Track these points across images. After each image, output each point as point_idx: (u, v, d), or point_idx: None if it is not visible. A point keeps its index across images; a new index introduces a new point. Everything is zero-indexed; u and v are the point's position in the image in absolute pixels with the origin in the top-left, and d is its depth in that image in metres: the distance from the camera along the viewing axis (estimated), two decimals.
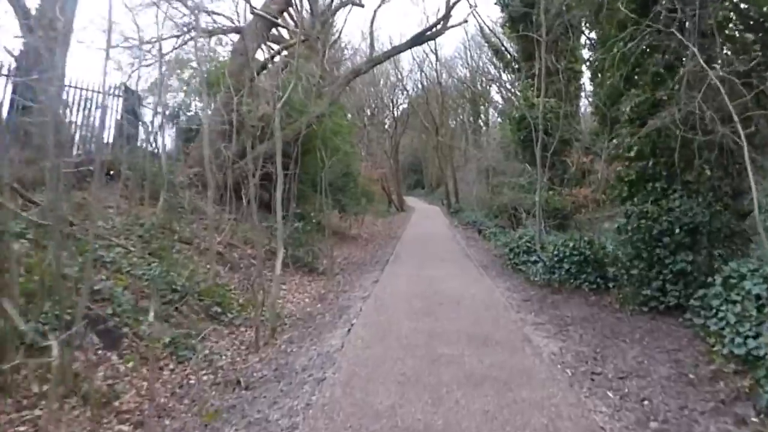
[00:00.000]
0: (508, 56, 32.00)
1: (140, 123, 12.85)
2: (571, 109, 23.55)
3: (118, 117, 12.53)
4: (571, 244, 9.78)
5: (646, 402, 4.31)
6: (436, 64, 38.63)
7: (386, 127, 48.63)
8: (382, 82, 46.33)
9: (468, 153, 45.69)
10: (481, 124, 47.53)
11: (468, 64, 41.83)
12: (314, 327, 7.39)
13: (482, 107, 46.40)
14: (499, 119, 44.47)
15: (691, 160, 7.31)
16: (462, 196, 37.08)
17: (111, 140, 12.33)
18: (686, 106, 6.98)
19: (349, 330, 6.62)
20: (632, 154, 8.22)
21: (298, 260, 11.97)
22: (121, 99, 12.66)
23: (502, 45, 32.24)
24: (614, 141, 16.73)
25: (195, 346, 6.44)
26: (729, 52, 7.63)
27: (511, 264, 11.83)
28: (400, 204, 41.21)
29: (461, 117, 49.46)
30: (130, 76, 14.67)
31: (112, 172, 11.05)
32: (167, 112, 16.69)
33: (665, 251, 7.41)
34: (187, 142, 16.64)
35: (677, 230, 7.29)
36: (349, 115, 40.83)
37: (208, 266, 8.78)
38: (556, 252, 9.93)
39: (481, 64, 40.26)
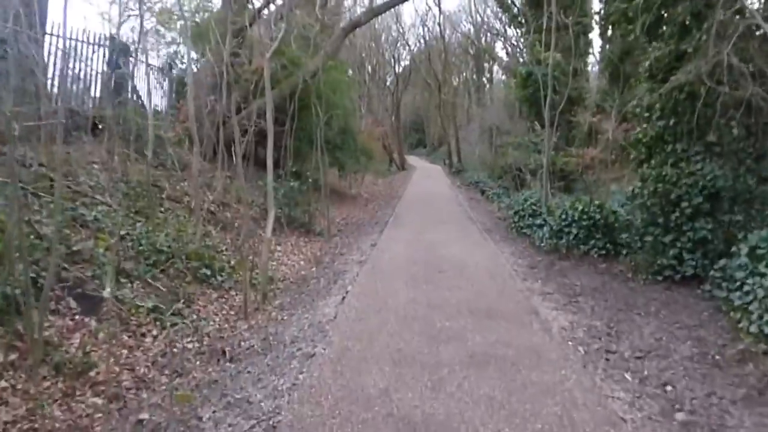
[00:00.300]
0: (515, 9, 30.87)
1: (126, 75, 12.16)
2: (579, 67, 22.74)
3: (106, 68, 11.91)
4: (580, 208, 9.28)
5: (668, 387, 3.88)
6: (439, 17, 37.43)
7: (388, 84, 47.46)
8: (383, 37, 44.96)
9: (471, 112, 44.76)
10: (485, 81, 46.41)
11: (472, 18, 40.54)
12: (308, 293, 6.98)
13: (486, 64, 45.24)
14: (503, 77, 43.42)
15: (712, 119, 6.76)
16: (464, 156, 36.42)
17: (97, 93, 11.70)
18: (713, 59, 6.39)
19: (343, 298, 6.20)
20: (652, 113, 7.64)
21: (294, 221, 11.52)
22: (105, 50, 11.98)
23: None
24: (626, 99, 16.07)
25: (181, 311, 6.06)
26: None
27: (516, 228, 11.37)
28: (401, 163, 40.54)
29: (464, 74, 48.23)
30: (119, 28, 13.93)
31: (101, 126, 10.48)
32: (159, 65, 15.99)
33: (683, 217, 6.93)
34: (182, 97, 15.98)
35: (697, 195, 6.80)
36: (350, 72, 39.89)
37: (200, 226, 8.34)
38: (563, 216, 9.44)
39: (486, 18, 39.02)
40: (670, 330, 5.14)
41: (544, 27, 22.51)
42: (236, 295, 6.86)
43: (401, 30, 42.72)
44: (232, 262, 8.06)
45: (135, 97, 12.79)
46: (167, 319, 5.77)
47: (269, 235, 6.92)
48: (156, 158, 10.86)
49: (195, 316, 6.14)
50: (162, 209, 8.53)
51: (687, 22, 7.06)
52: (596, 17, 27.10)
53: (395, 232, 11.14)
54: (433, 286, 6.53)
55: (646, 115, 7.79)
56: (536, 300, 6.18)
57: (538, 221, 10.88)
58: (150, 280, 6.47)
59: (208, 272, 7.13)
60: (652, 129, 7.64)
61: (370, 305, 5.79)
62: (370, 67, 44.60)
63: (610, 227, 8.97)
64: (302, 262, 9.17)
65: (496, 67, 46.11)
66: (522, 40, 28.68)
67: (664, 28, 7.55)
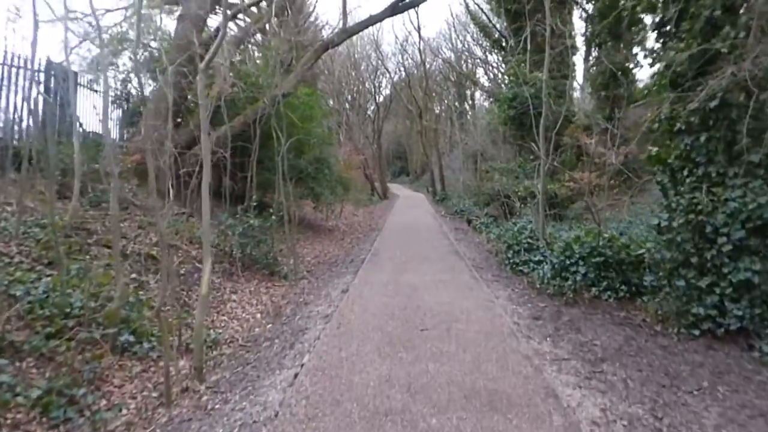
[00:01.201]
0: (497, 33, 30.09)
1: (63, 103, 10.68)
2: (563, 88, 21.77)
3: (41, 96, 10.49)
4: (589, 242, 7.91)
5: None
6: (419, 43, 36.72)
7: (368, 113, 46.48)
8: (363, 65, 44.17)
9: (453, 138, 43.84)
10: (467, 108, 45.57)
11: (452, 45, 39.86)
12: (255, 362, 5.44)
13: (468, 91, 44.51)
14: (485, 103, 42.65)
15: (755, 133, 5.45)
16: (448, 183, 35.24)
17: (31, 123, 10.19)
18: (758, 60, 5.11)
19: (296, 375, 4.66)
20: (675, 127, 6.32)
21: (256, 262, 10.01)
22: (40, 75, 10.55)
23: (490, 21, 30.29)
24: (622, 120, 14.83)
25: (84, 396, 4.53)
26: None
27: (510, 264, 9.94)
28: (383, 192, 39.23)
29: (446, 102, 47.40)
30: (69, 54, 12.53)
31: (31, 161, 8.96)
32: (112, 93, 14.55)
33: (722, 256, 5.55)
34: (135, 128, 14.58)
35: (738, 228, 5.43)
36: (331, 102, 38.86)
37: (129, 276, 6.78)
38: (567, 252, 8.05)
39: (466, 45, 38.32)
40: (741, 420, 3.70)
41: (529, 47, 21.59)
42: (173, 362, 5.33)
43: (380, 58, 41.79)
44: (170, 321, 6.54)
45: (79, 128, 11.28)
46: (59, 413, 4.28)
47: (204, 290, 5.38)
48: (96, 197, 9.43)
49: (105, 401, 4.65)
50: (84, 258, 7.00)
51: (715, 17, 5.79)
52: (580, 38, 26.43)
53: (372, 273, 9.63)
54: (414, 354, 5.00)
55: (670, 129, 6.46)
56: (550, 372, 4.69)
57: (536, 257, 9.49)
58: (48, 355, 4.96)
59: (131, 338, 5.59)
60: (676, 147, 6.31)
61: (328, 389, 4.26)
62: (350, 96, 43.65)
63: (624, 265, 7.59)
64: (258, 315, 7.62)
65: (478, 94, 45.48)
66: (504, 65, 27.80)
67: (683, 25, 6.28)
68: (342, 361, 4.86)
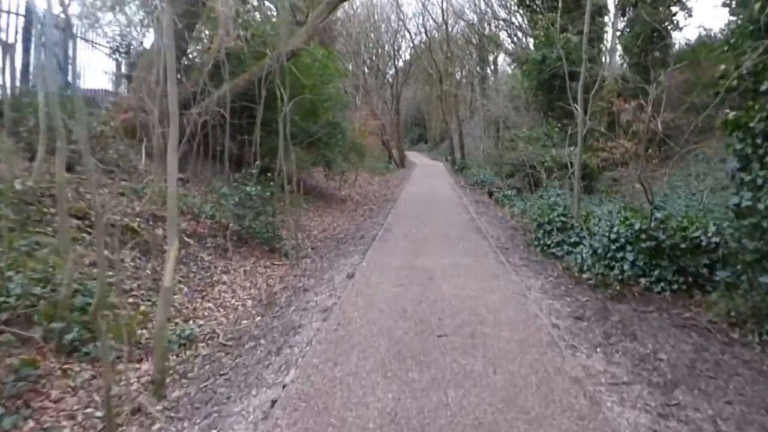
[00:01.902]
0: None
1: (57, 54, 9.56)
2: (593, 52, 20.10)
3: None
4: (637, 224, 6.66)
5: None
6: (442, 2, 34.80)
7: (387, 77, 44.83)
8: (383, 27, 42.40)
9: (474, 105, 42.11)
10: (489, 73, 43.62)
11: (475, 6, 37.83)
12: (231, 372, 4.36)
13: (491, 55, 42.51)
14: (509, 68, 40.68)
15: None
16: (467, 152, 33.77)
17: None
18: None
19: (273, 403, 3.57)
20: (759, 84, 4.99)
21: (255, 236, 8.94)
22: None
23: None
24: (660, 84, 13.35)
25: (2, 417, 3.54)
26: None
27: (541, 246, 8.71)
28: (400, 160, 37.88)
29: (467, 67, 45.43)
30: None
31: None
32: (108, 45, 13.38)
33: None
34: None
35: None
36: (350, 66, 37.22)
37: (85, 256, 5.72)
38: (612, 234, 6.82)
39: (490, 5, 36.28)
40: None
41: (560, 5, 19.88)
42: (127, 370, 4.33)
43: (401, 18, 39.87)
44: (142, 309, 5.50)
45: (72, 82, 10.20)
46: None
47: (168, 281, 4.28)
48: (79, 158, 8.34)
49: (32, 424, 3.65)
50: (45, 230, 5.94)
51: None
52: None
53: (383, 254, 8.48)
54: (430, 376, 3.82)
55: (751, 88, 5.14)
56: (610, 405, 3.50)
57: (572, 238, 8.26)
58: None
59: (85, 334, 4.55)
60: (762, 109, 4.98)
61: (314, 425, 3.17)
62: (368, 59, 41.99)
63: (679, 251, 6.34)
64: (249, 302, 6.55)
65: (501, 58, 43.45)
66: (530, 26, 25.98)
67: None
68: (335, 384, 3.73)
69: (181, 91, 12.33)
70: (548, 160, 16.42)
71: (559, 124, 18.88)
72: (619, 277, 6.36)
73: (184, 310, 6.04)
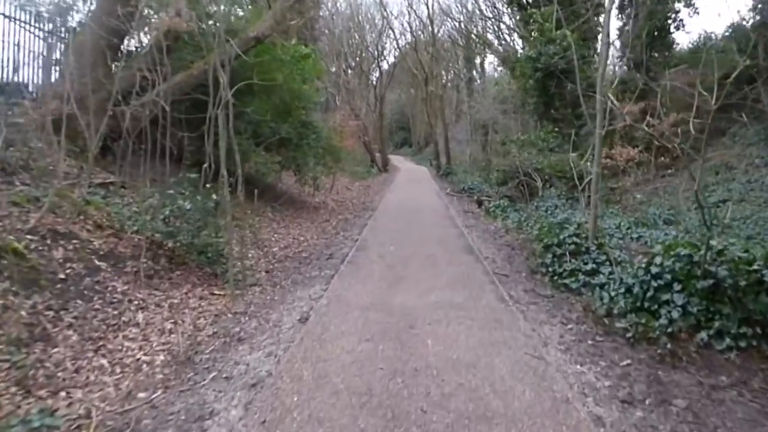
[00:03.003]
0: None
1: None
2: (588, 53, 18.59)
3: None
4: (683, 251, 4.98)
5: None
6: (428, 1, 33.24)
7: (371, 79, 43.18)
8: (368, 27, 40.78)
9: (460, 108, 40.65)
10: (476, 75, 42.13)
11: (462, 6, 36.41)
12: None
13: (478, 57, 41.09)
14: (496, 72, 39.25)
15: None
16: (453, 156, 32.18)
17: None
18: None
19: None
20: None
21: (199, 255, 7.11)
22: None
23: None
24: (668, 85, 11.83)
25: None
26: None
27: (551, 274, 6.98)
28: (383, 164, 36.14)
29: (453, 70, 43.94)
30: None
31: None
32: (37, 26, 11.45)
33: None
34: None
35: None
36: (333, 68, 35.36)
37: None
38: (653, 267, 5.12)
39: (477, 4, 34.81)
40: None
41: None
42: None
43: (385, 17, 38.19)
44: None
45: None
46: None
47: None
48: None
49: None
50: None
51: None
52: None
53: (351, 283, 6.67)
54: None
55: None
56: None
57: (587, 265, 6.57)
58: None
59: None
60: None
61: None
62: (351, 59, 40.32)
63: (742, 292, 4.68)
64: (161, 357, 4.71)
65: (488, 61, 42.10)
66: (522, 22, 24.43)
67: None
68: None
69: (119, 80, 10.47)
70: (545, 166, 14.81)
71: (555, 128, 17.30)
72: (668, 329, 4.65)
73: (59, 374, 4.21)
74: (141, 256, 6.54)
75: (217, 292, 6.77)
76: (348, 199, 18.68)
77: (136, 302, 5.81)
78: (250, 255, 8.71)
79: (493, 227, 12.20)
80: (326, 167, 16.22)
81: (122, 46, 10.88)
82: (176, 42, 11.15)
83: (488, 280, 6.86)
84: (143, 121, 9.74)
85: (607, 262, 6.60)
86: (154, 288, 6.32)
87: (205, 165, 8.54)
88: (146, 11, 11.28)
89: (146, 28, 11.58)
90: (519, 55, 23.23)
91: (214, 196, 7.26)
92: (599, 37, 22.15)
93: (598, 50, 22.22)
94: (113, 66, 10.35)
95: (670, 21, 18.81)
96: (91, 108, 9.40)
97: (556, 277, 6.74)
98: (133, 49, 11.44)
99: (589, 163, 8.45)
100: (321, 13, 41.26)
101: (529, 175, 14.73)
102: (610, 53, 24.02)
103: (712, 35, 20.77)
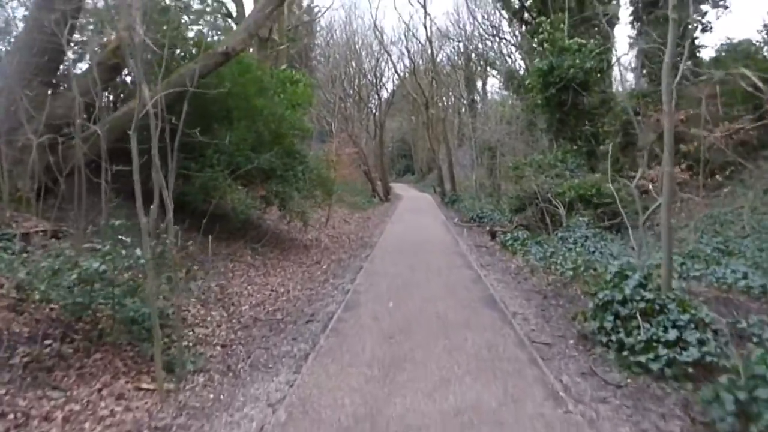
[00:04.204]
0: (517, 2, 24.98)
1: None
2: (601, 65, 16.80)
3: None
4: None
5: None
6: (425, 18, 31.94)
7: (370, 106, 41.76)
8: (364, 53, 39.48)
9: (462, 132, 38.99)
10: (478, 98, 40.49)
11: (461, 28, 34.99)
12: None
13: (479, 79, 39.54)
14: (496, 95, 37.69)
15: None
16: (458, 182, 30.26)
17: None
18: None
19: None
20: None
21: (131, 326, 5.13)
22: None
23: None
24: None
25: None
26: None
27: (614, 345, 4.92)
28: (384, 193, 34.27)
29: (453, 95, 42.38)
30: None
31: None
32: None
33: None
34: None
35: None
36: (329, 95, 33.78)
37: None
38: None
39: (476, 27, 33.38)
40: None
41: (567, 6, 16.59)
42: None
43: (381, 42, 36.72)
44: None
45: None
46: None
47: None
48: None
49: None
50: None
51: None
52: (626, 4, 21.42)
53: (330, 370, 4.66)
54: None
55: None
56: None
57: (668, 333, 4.55)
58: None
59: None
60: None
61: None
62: (350, 88, 38.89)
63: None
64: None
65: (489, 83, 40.61)
66: (528, 35, 22.73)
67: None
68: None
69: (59, 103, 8.64)
70: (566, 190, 12.85)
71: (573, 146, 15.40)
72: None
73: None
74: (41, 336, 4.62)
75: (145, 386, 4.76)
76: (345, 233, 16.71)
77: (11, 416, 3.85)
78: (208, 319, 6.75)
79: (514, 265, 10.19)
80: (316, 201, 14.32)
81: (60, 66, 9.13)
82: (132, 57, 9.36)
83: (527, 357, 4.82)
84: (87, 155, 7.96)
85: (692, 325, 4.60)
86: (50, 386, 4.34)
87: (153, 205, 6.62)
88: (89, 25, 9.57)
89: (90, 45, 9.84)
90: (528, 70, 21.52)
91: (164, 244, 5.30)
92: (614, 47, 20.49)
93: (613, 60, 20.53)
94: (48, 90, 8.58)
95: (695, 25, 17.04)
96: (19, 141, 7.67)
97: (625, 352, 4.69)
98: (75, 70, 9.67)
99: (663, 184, 6.47)
100: (316, 41, 40.17)
101: (549, 201, 12.76)
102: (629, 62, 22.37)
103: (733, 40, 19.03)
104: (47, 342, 4.68)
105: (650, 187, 11.30)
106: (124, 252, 5.25)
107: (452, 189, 29.35)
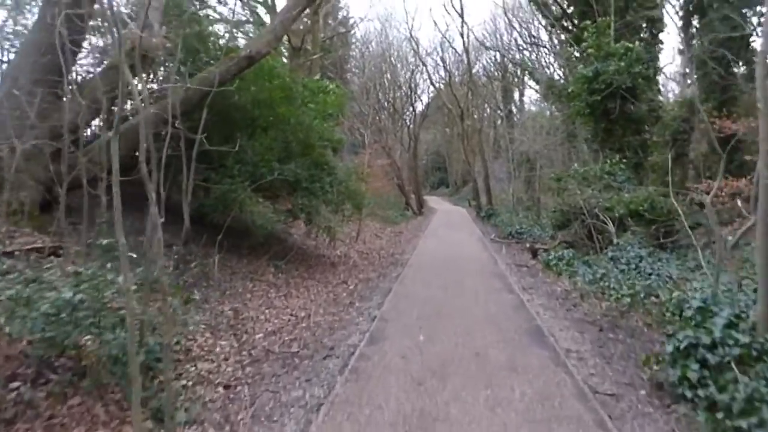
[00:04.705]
0: (558, 9, 23.92)
1: None
2: (648, 72, 15.60)
3: None
4: None
5: None
6: (462, 27, 31.15)
7: (405, 118, 41.16)
8: (399, 65, 38.94)
9: (498, 144, 37.86)
10: (515, 110, 39.34)
11: (498, 38, 34.03)
12: None
13: (516, 90, 38.48)
14: (533, 107, 36.55)
15: None
16: (493, 196, 29.12)
17: None
18: None
19: None
20: None
21: (115, 366, 4.38)
22: None
23: None
24: None
25: None
26: None
27: (702, 401, 3.92)
28: (418, 206, 33.38)
29: (488, 108, 41.32)
30: None
31: None
32: None
33: None
34: None
35: None
36: (364, 107, 33.10)
37: None
38: None
39: (513, 37, 32.44)
40: None
41: (613, 5, 15.55)
42: None
43: (416, 51, 36.01)
44: None
45: None
46: None
47: None
48: None
49: None
50: None
51: None
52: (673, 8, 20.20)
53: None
54: None
55: None
56: None
57: None
58: None
59: None
60: None
61: None
62: (384, 100, 38.32)
63: None
64: None
65: (527, 94, 39.53)
66: (571, 41, 21.61)
67: None
68: None
69: (70, 110, 8.07)
70: (615, 205, 11.74)
71: (622, 158, 14.26)
72: None
73: None
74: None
75: None
76: (375, 249, 15.88)
77: None
78: (216, 349, 5.97)
79: (560, 289, 9.17)
80: (345, 214, 13.54)
81: (72, 69, 8.59)
82: (144, 62, 8.79)
83: (592, 417, 3.85)
84: (95, 165, 7.41)
85: None
86: None
87: (152, 218, 5.93)
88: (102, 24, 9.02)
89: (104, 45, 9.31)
90: (567, 80, 20.45)
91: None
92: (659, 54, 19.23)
93: (660, 67, 19.30)
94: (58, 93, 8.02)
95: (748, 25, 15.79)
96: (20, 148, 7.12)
97: (719, 413, 3.69)
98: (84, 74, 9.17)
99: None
100: (351, 53, 39.73)
101: (597, 217, 11.66)
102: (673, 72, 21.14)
103: None
104: (13, 385, 3.96)
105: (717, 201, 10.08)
106: (110, 277, 4.54)
107: (488, 202, 28.26)
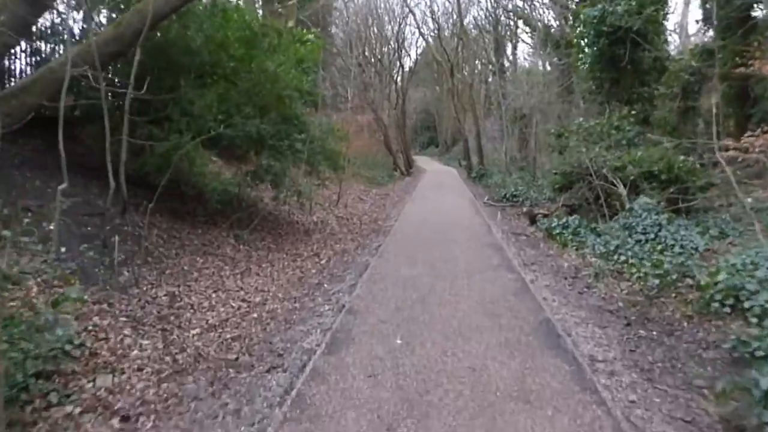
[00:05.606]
0: None
1: None
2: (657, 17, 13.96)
3: None
4: None
5: None
6: None
7: (392, 74, 39.06)
8: (386, 17, 36.78)
9: (490, 100, 36.06)
10: (507, 64, 37.32)
11: None
12: None
13: (509, 43, 36.42)
14: (527, 58, 34.57)
15: None
16: (485, 155, 27.52)
17: None
18: None
19: None
20: None
21: None
22: None
23: None
24: None
25: None
26: None
27: None
28: (406, 166, 31.79)
29: (481, 61, 39.23)
30: None
31: None
32: None
33: None
34: None
35: None
36: (350, 59, 30.95)
37: None
38: None
39: None
40: None
41: None
42: None
43: (405, 2, 33.82)
44: None
45: None
46: None
47: None
48: None
49: None
50: None
51: None
52: None
53: None
54: None
55: None
56: None
57: None
58: None
59: None
60: None
61: None
62: (370, 54, 36.25)
63: None
64: None
65: (520, 48, 37.44)
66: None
67: None
68: None
69: None
70: (625, 164, 10.30)
71: (631, 110, 12.75)
72: None
73: None
74: None
75: None
76: (357, 214, 14.42)
77: None
78: (132, 353, 4.52)
79: (567, 264, 7.78)
80: (321, 177, 12.02)
81: None
82: None
83: None
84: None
85: None
86: None
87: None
88: None
89: None
90: (570, 24, 18.70)
91: None
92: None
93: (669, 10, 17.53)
94: None
95: None
96: None
97: None
98: None
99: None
100: (335, 3, 37.37)
101: (605, 178, 10.21)
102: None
103: None
104: None
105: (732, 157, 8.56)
106: None
107: (480, 162, 26.71)
